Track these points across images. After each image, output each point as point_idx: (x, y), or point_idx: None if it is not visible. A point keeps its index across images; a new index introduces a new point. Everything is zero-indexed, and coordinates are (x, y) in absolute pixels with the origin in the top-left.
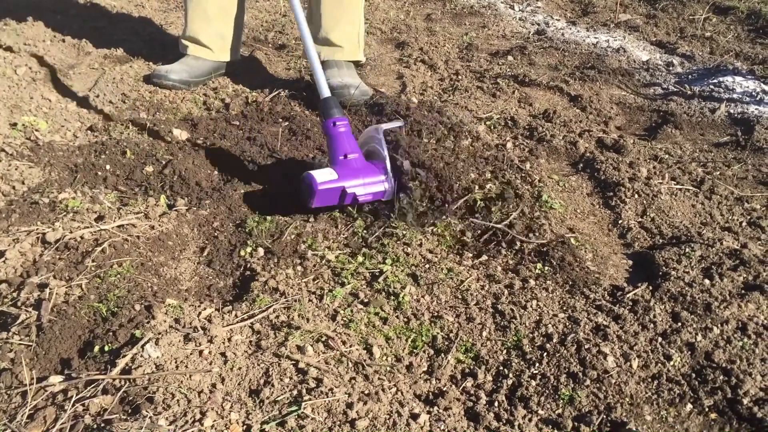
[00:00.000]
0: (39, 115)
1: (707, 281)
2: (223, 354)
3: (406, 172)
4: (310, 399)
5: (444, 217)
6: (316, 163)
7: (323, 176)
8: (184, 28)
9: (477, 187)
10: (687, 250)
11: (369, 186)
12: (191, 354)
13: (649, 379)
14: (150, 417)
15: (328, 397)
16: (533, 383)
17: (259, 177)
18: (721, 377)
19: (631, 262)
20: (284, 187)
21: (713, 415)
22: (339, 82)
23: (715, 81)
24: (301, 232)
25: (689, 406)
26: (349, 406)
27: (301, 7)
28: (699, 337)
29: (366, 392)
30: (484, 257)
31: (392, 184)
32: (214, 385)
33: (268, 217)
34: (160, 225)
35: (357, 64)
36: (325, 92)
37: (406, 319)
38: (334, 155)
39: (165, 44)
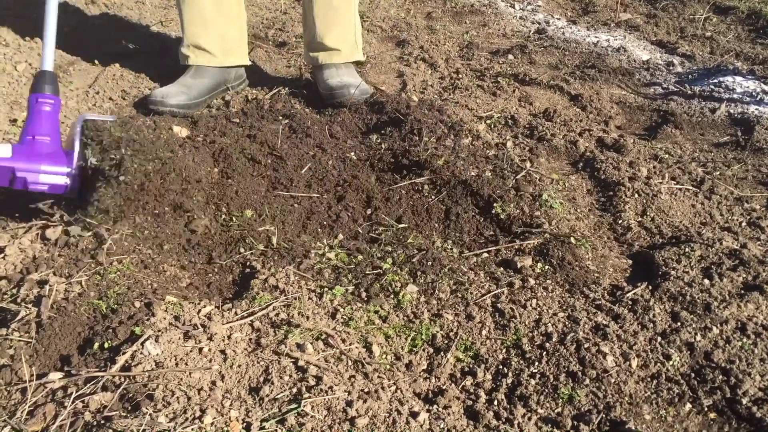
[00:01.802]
0: None
1: (707, 281)
2: (222, 352)
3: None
4: (309, 397)
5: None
6: None
7: None
8: (182, 37)
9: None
10: (687, 249)
11: (47, 175)
12: (191, 351)
13: (649, 379)
14: (150, 414)
15: (327, 395)
16: (533, 382)
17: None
18: (721, 377)
19: (630, 262)
20: None
21: (712, 415)
22: (338, 81)
23: (715, 81)
24: (301, 230)
25: (688, 406)
26: (349, 404)
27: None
28: (698, 337)
29: (366, 390)
30: (485, 256)
31: (76, 180)
32: (213, 383)
33: (269, 214)
34: None
35: (358, 63)
36: (46, 65)
37: (405, 318)
38: (23, 133)
39: (165, 41)
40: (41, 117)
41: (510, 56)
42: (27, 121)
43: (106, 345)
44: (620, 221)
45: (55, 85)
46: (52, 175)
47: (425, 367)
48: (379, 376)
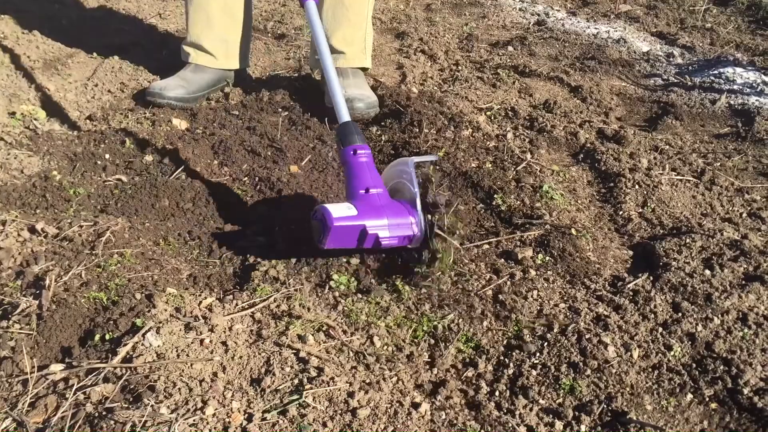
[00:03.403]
0: (37, 104)
1: (708, 272)
2: (224, 343)
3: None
4: (311, 388)
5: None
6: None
7: (340, 211)
8: (186, 34)
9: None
10: (687, 240)
11: (395, 228)
12: (192, 343)
13: (650, 369)
14: (151, 405)
15: (329, 386)
16: (534, 373)
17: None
18: (722, 367)
19: (631, 253)
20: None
21: (713, 405)
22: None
23: (715, 72)
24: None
25: (689, 396)
26: (351, 395)
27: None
28: (699, 328)
29: (367, 381)
30: (485, 247)
31: (422, 228)
32: (215, 374)
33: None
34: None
35: (364, 71)
36: (345, 116)
37: (406, 309)
38: (353, 188)
39: (164, 33)
40: (365, 169)
41: (510, 48)
42: (352, 176)
43: (107, 337)
44: (621, 212)
45: (361, 134)
46: (400, 227)
47: (426, 358)
48: (380, 368)
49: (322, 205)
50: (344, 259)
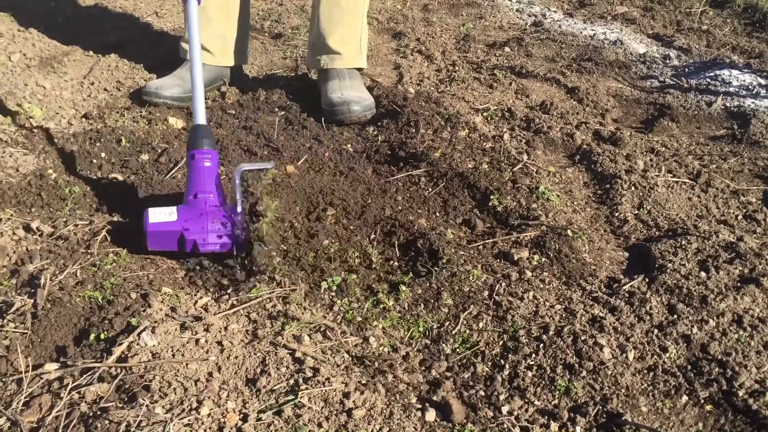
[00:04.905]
0: (33, 102)
1: (703, 274)
2: (219, 343)
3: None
4: (306, 388)
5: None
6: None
7: (159, 216)
8: (184, 31)
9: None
10: (683, 242)
11: (214, 235)
12: (187, 342)
13: (645, 371)
14: (146, 405)
15: (324, 386)
16: (530, 374)
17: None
18: (717, 369)
19: (627, 255)
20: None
21: (708, 407)
22: (339, 97)
23: (711, 74)
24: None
25: (685, 398)
26: (346, 395)
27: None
28: (695, 330)
29: (363, 382)
30: (481, 248)
31: (246, 236)
32: (210, 374)
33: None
34: None
35: (359, 71)
36: (200, 119)
37: (403, 310)
38: (186, 193)
39: (160, 31)
40: (202, 173)
41: (506, 49)
42: (187, 181)
43: (102, 336)
44: (617, 214)
45: (211, 138)
46: (219, 234)
47: (422, 358)
48: (376, 368)
49: (147, 209)
50: (342, 260)
